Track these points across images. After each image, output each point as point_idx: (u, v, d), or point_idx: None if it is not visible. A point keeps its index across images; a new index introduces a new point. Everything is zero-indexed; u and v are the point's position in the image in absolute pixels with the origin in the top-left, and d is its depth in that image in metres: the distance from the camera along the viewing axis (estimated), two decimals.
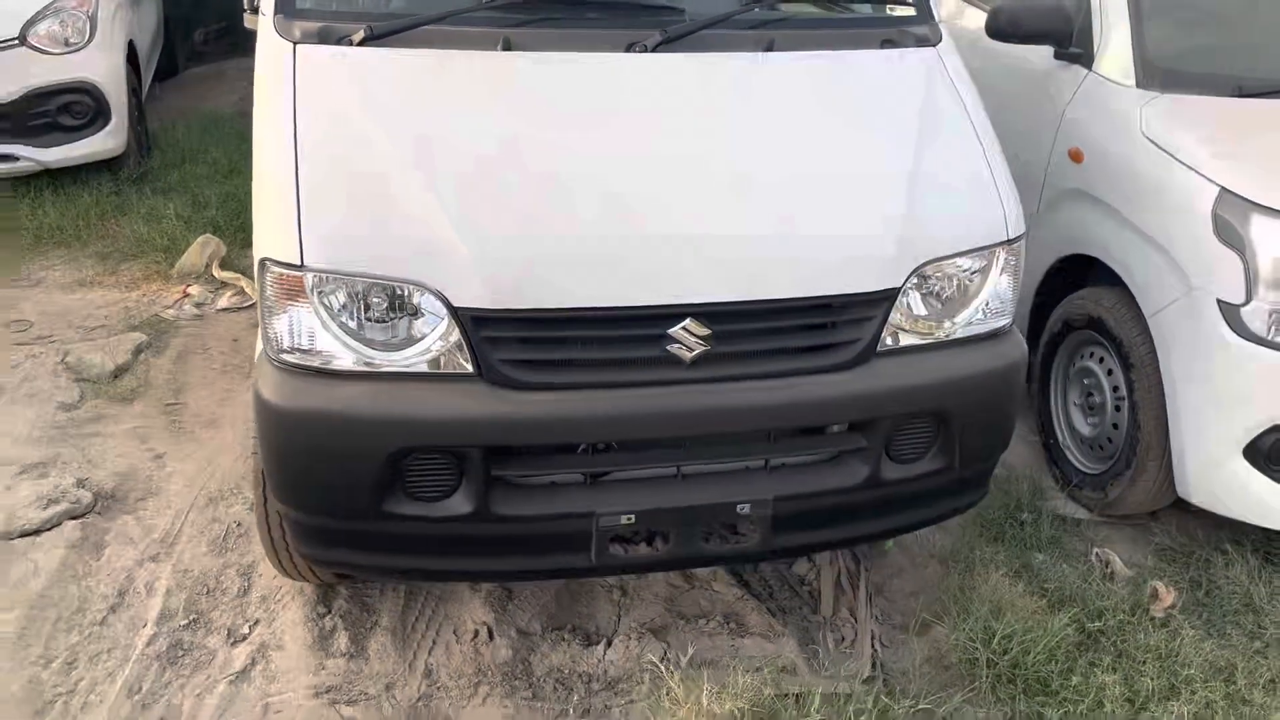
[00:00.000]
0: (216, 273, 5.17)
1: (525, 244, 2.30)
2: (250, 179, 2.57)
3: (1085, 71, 3.60)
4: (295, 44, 2.55)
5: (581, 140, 2.46)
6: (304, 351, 2.32)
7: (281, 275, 2.28)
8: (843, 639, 3.00)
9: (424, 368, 2.32)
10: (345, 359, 2.31)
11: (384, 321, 2.30)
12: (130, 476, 3.65)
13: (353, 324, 2.30)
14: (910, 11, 2.97)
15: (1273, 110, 3.31)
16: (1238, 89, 3.34)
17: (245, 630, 2.96)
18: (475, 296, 2.26)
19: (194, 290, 5.06)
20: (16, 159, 5.70)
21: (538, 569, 2.56)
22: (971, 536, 3.42)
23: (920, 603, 3.15)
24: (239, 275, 5.14)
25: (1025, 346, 2.68)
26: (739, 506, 2.44)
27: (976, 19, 4.00)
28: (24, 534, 3.30)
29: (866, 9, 3.02)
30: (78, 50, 5.78)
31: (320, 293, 2.28)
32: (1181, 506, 3.40)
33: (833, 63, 2.76)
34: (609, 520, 2.39)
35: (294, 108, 2.41)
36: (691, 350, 2.35)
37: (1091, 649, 2.97)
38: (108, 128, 5.93)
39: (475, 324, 2.28)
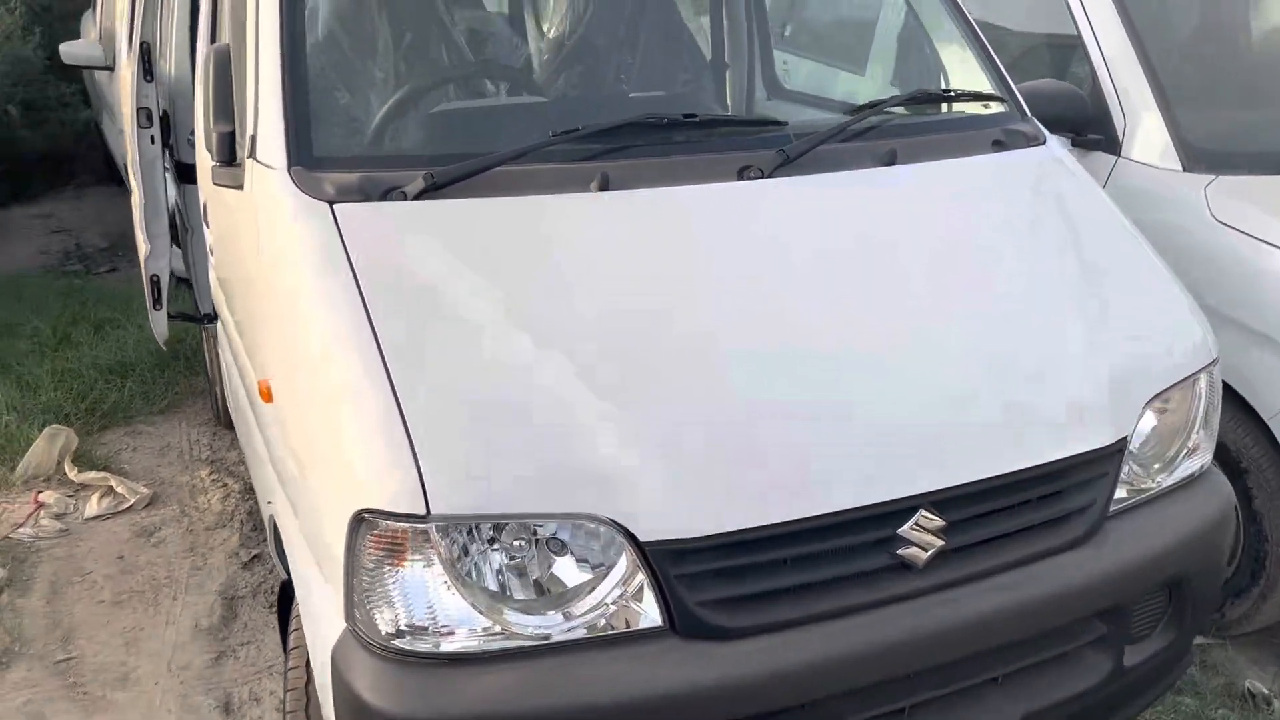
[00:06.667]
0: (72, 474, 4.20)
1: (724, 448, 1.74)
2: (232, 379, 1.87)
3: (1112, 158, 3.38)
4: (332, 204, 1.90)
5: (741, 305, 1.94)
6: (426, 633, 1.63)
7: (393, 531, 1.60)
8: None
9: (596, 629, 1.68)
10: (490, 635, 1.64)
11: (539, 575, 1.66)
12: None
13: (495, 584, 1.65)
14: (1003, 108, 2.62)
15: None
16: None
17: None
18: (671, 524, 1.66)
19: (49, 498, 4.07)
20: None
21: None
22: None
23: None
24: (105, 473, 4.19)
25: (1229, 483, 2.31)
26: None
27: None
28: None
29: (967, 108, 2.64)
30: None
31: (452, 548, 1.62)
32: None
33: (967, 175, 2.37)
34: None
35: (361, 298, 1.76)
36: (926, 550, 1.83)
37: None
38: None
39: (669, 559, 1.67)
